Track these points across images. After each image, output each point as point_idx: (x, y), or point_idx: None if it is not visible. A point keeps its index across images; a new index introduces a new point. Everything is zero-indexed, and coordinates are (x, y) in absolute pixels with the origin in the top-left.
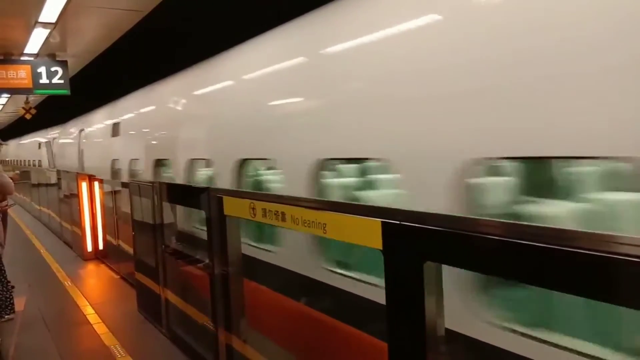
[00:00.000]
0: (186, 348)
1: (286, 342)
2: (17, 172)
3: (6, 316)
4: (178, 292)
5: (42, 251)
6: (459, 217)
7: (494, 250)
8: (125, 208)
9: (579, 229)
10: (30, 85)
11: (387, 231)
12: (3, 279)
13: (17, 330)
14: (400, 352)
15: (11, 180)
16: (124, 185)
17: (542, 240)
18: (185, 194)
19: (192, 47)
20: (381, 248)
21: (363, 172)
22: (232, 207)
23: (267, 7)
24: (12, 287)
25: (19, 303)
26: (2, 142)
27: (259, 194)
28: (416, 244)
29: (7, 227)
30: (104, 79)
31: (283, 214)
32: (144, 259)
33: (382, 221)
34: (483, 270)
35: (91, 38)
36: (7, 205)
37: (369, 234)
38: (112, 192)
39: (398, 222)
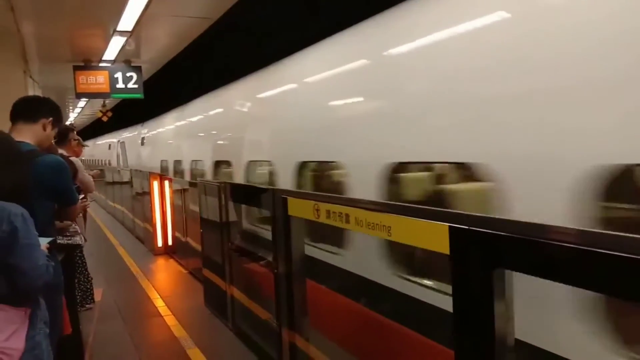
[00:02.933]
0: (251, 343)
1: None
2: (97, 170)
3: (87, 305)
4: (243, 289)
5: (116, 246)
6: (530, 224)
7: (567, 258)
8: (193, 206)
9: None
10: (108, 90)
11: (455, 236)
12: (85, 271)
13: (95, 320)
14: None
15: (92, 179)
16: (192, 184)
17: (620, 249)
18: (251, 194)
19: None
20: (448, 253)
21: None
22: (296, 208)
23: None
24: (91, 278)
25: (97, 294)
26: (83, 144)
27: (323, 195)
28: (486, 249)
29: (86, 223)
30: (173, 83)
31: (347, 215)
32: (211, 256)
33: (449, 226)
34: (555, 279)
35: (163, 44)
36: (87, 203)
37: (435, 238)
38: (181, 190)
39: (467, 227)
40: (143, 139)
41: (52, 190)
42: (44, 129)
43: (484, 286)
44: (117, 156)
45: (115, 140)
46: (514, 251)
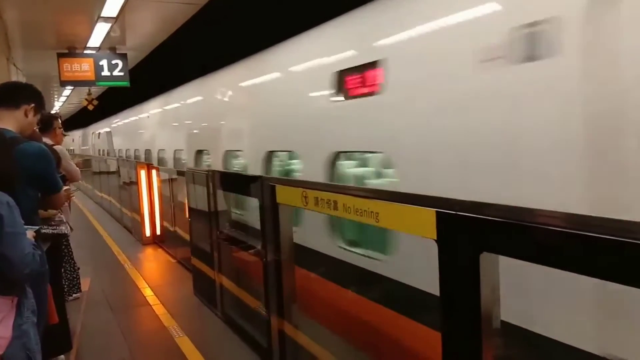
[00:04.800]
0: (240, 331)
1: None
2: (80, 159)
3: (73, 295)
4: (232, 277)
5: (104, 235)
6: (517, 208)
7: (554, 242)
8: (181, 195)
9: None
10: (93, 78)
11: (442, 221)
12: (71, 260)
13: (82, 309)
14: (455, 344)
15: (77, 168)
16: (180, 173)
17: (606, 232)
18: (239, 182)
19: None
20: (435, 238)
21: None
22: (285, 196)
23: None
24: (78, 268)
25: (84, 284)
26: (65, 133)
27: (311, 182)
28: (472, 234)
29: (70, 212)
30: (160, 71)
31: (335, 202)
32: (199, 245)
33: (436, 211)
34: (543, 262)
35: (149, 31)
36: (72, 192)
37: (422, 224)
38: (168, 180)
39: (454, 212)
40: None
41: (36, 177)
42: (26, 115)
43: (470, 270)
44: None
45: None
46: (501, 235)
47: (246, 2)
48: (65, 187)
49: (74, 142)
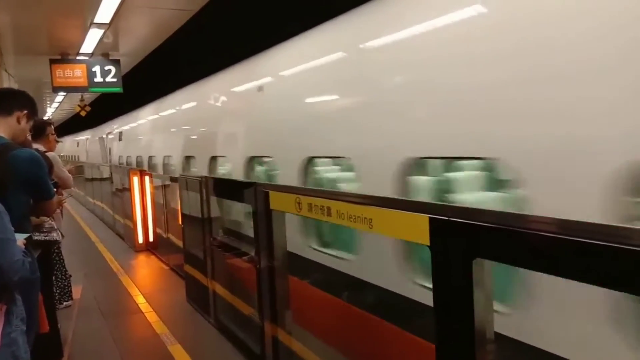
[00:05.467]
0: (233, 338)
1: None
2: (72, 166)
3: (65, 303)
4: (225, 284)
5: (96, 242)
6: (510, 214)
7: (546, 248)
8: (174, 202)
9: (635, 227)
10: (86, 84)
11: (435, 227)
12: (63, 268)
13: (74, 317)
14: (448, 352)
15: (70, 175)
16: (173, 179)
17: (597, 237)
18: (232, 189)
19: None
20: (428, 244)
21: None
22: (278, 202)
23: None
24: (70, 275)
25: (76, 291)
26: (58, 140)
27: (304, 189)
28: (465, 240)
29: (62, 219)
30: (153, 77)
31: (329, 208)
32: (192, 251)
33: (429, 217)
34: (535, 268)
35: (142, 37)
36: (64, 199)
37: (416, 230)
38: (161, 186)
39: (446, 218)
40: None
41: (28, 184)
42: (19, 121)
43: (463, 276)
44: None
45: None
46: (494, 241)
47: (237, 11)
48: (56, 192)
49: (78, 146)
